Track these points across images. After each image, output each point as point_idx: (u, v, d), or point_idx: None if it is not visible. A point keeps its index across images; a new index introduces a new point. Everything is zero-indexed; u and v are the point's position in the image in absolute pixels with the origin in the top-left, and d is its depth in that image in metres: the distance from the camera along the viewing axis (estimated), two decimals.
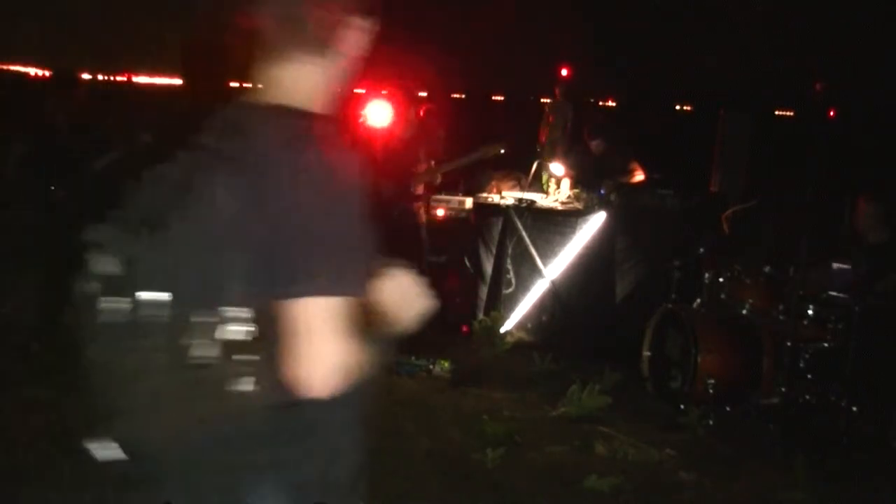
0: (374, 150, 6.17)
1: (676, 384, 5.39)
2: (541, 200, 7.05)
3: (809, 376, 5.09)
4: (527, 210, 6.79)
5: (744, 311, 5.42)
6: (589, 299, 6.51)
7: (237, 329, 1.40)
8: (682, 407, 5.17)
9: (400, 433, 4.62)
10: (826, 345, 5.06)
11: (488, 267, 6.98)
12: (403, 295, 1.61)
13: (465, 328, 6.58)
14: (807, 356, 5.08)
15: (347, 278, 1.44)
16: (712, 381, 5.11)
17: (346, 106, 1.74)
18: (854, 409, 4.87)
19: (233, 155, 1.46)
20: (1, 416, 4.56)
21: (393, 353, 1.58)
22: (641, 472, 4.46)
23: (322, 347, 1.41)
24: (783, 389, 5.08)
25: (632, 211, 6.57)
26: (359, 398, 1.52)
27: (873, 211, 5.37)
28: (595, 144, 7.57)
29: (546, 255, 6.61)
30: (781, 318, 5.25)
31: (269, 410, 1.43)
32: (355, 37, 1.62)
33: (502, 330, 6.64)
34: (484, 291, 6.92)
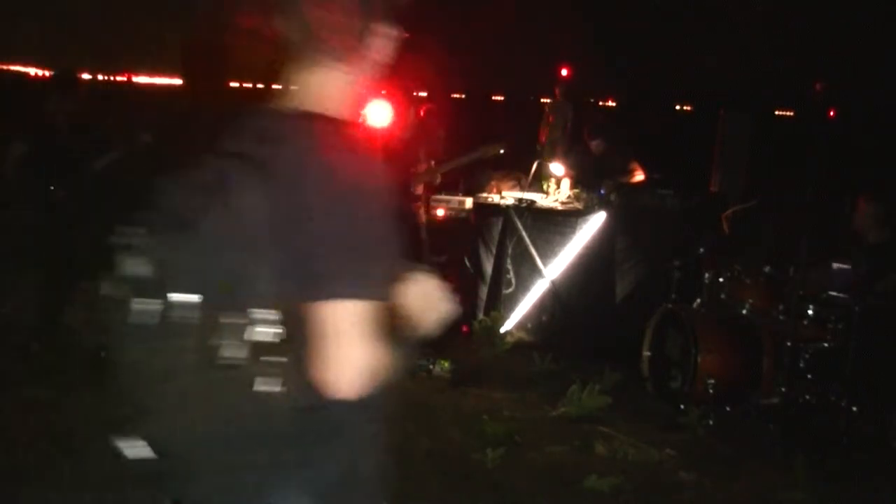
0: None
1: (676, 384, 5.39)
2: (541, 200, 7.05)
3: (809, 376, 5.09)
4: (527, 210, 6.79)
5: (744, 311, 5.42)
6: (589, 299, 6.51)
7: (265, 331, 1.43)
8: (682, 407, 5.17)
9: (400, 433, 4.61)
10: (826, 345, 5.06)
11: (488, 267, 6.97)
12: (426, 298, 1.65)
13: (465, 328, 6.58)
14: (807, 356, 5.08)
15: (373, 282, 1.48)
16: (712, 381, 5.11)
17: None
18: (854, 409, 4.86)
19: (262, 160, 1.49)
20: (1, 416, 4.56)
21: (416, 355, 1.62)
22: (641, 472, 4.46)
23: (349, 350, 1.44)
24: (783, 389, 5.08)
25: (632, 211, 6.57)
26: (383, 400, 1.55)
27: (873, 211, 5.37)
28: (595, 144, 7.57)
29: (546, 255, 6.61)
30: (781, 318, 5.24)
31: (296, 411, 1.46)
32: (381, 43, 1.65)
33: (502, 330, 6.64)
34: (484, 291, 6.92)
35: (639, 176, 7.29)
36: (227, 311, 1.42)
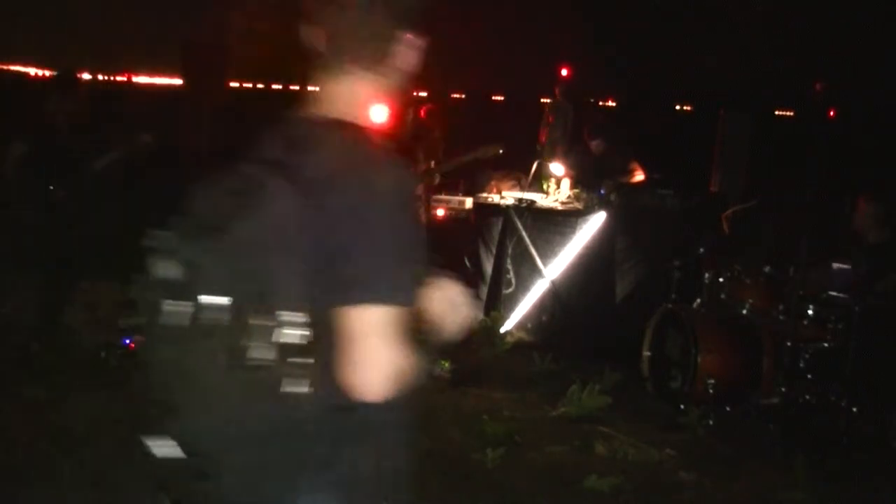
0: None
1: (676, 384, 5.38)
2: (541, 200, 7.05)
3: (809, 376, 5.09)
4: (527, 210, 6.79)
5: (744, 311, 5.42)
6: (589, 299, 6.51)
7: (293, 332, 1.46)
8: (682, 407, 5.17)
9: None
10: (826, 345, 5.06)
11: (488, 267, 6.97)
12: (450, 304, 1.71)
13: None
14: (807, 356, 5.08)
15: (400, 288, 1.52)
16: (712, 381, 5.11)
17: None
18: (854, 409, 4.86)
19: (291, 166, 1.53)
20: (1, 416, 4.56)
21: (439, 359, 1.65)
22: (641, 472, 4.46)
23: (375, 354, 1.49)
24: (783, 389, 5.08)
25: (632, 211, 6.57)
26: (408, 401, 1.60)
27: (873, 211, 5.37)
28: (595, 144, 7.57)
29: (546, 255, 6.61)
30: (781, 318, 5.24)
31: (323, 412, 1.50)
32: (407, 52, 1.70)
33: (502, 330, 6.64)
34: (484, 291, 6.92)
35: (639, 176, 7.29)
36: (256, 312, 1.46)
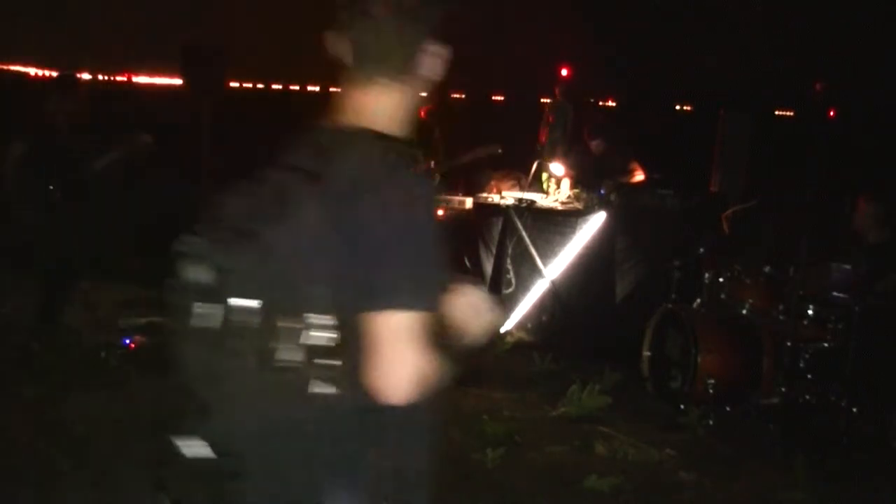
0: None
1: (676, 384, 5.38)
2: (541, 200, 7.05)
3: (809, 376, 5.09)
4: (527, 210, 6.79)
5: (744, 311, 5.41)
6: (589, 299, 6.50)
7: (321, 335, 1.52)
8: (682, 407, 5.17)
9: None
10: (826, 345, 5.06)
11: (488, 267, 6.97)
12: (474, 309, 1.76)
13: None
14: (807, 356, 5.08)
15: (424, 294, 1.56)
16: (712, 381, 5.11)
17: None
18: (854, 409, 4.86)
19: (320, 174, 1.57)
20: (1, 416, 4.56)
21: (463, 363, 1.71)
22: (641, 472, 4.46)
23: (400, 358, 1.52)
24: (783, 389, 5.08)
25: (632, 211, 6.56)
26: (431, 405, 1.63)
27: (873, 211, 5.37)
28: (595, 144, 7.57)
29: (546, 255, 6.61)
30: (781, 318, 5.24)
31: (349, 413, 1.55)
32: (433, 62, 1.73)
33: (502, 330, 6.64)
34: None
35: (639, 176, 7.29)
36: (285, 315, 1.51)
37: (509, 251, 6.81)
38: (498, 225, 6.89)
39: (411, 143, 1.71)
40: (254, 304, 1.51)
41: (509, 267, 6.81)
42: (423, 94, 1.77)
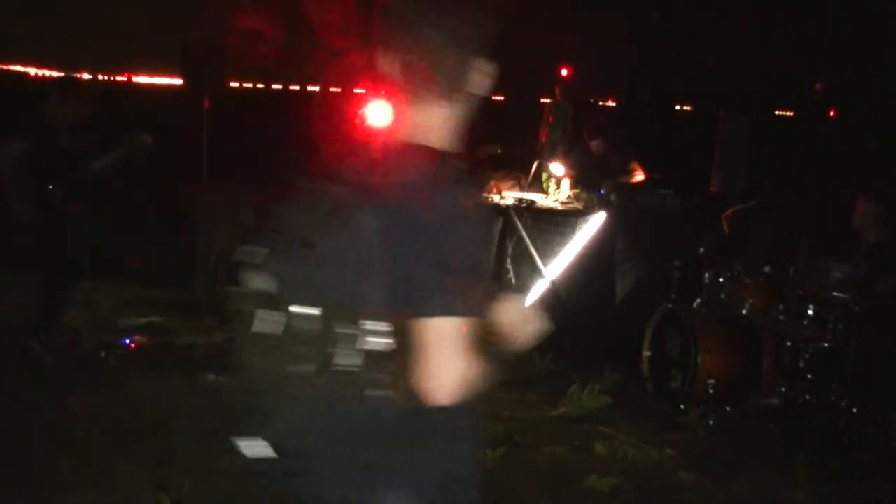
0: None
1: (676, 384, 5.38)
2: (541, 200, 7.05)
3: (809, 376, 5.09)
4: (527, 210, 6.78)
5: (744, 311, 5.41)
6: (589, 299, 6.50)
7: (377, 340, 1.59)
8: (682, 407, 5.17)
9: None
10: (826, 345, 5.06)
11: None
12: (518, 316, 1.84)
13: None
14: (807, 356, 5.08)
15: (471, 300, 1.63)
16: (712, 381, 5.11)
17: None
18: (854, 409, 4.87)
19: (373, 187, 1.65)
20: (1, 416, 4.56)
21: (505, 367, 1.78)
22: (641, 472, 4.46)
23: (448, 361, 1.60)
24: (783, 389, 5.08)
25: (632, 211, 6.56)
26: (477, 407, 1.72)
27: (873, 211, 5.36)
28: (595, 144, 7.57)
29: (546, 255, 6.60)
30: (781, 318, 5.24)
31: (401, 415, 1.62)
32: (481, 79, 1.79)
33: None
34: None
35: (639, 176, 7.28)
36: (343, 321, 1.58)
37: (509, 251, 6.80)
38: (498, 225, 6.89)
39: (461, 157, 1.78)
40: (314, 311, 1.58)
41: (509, 267, 6.79)
42: (475, 110, 1.83)
